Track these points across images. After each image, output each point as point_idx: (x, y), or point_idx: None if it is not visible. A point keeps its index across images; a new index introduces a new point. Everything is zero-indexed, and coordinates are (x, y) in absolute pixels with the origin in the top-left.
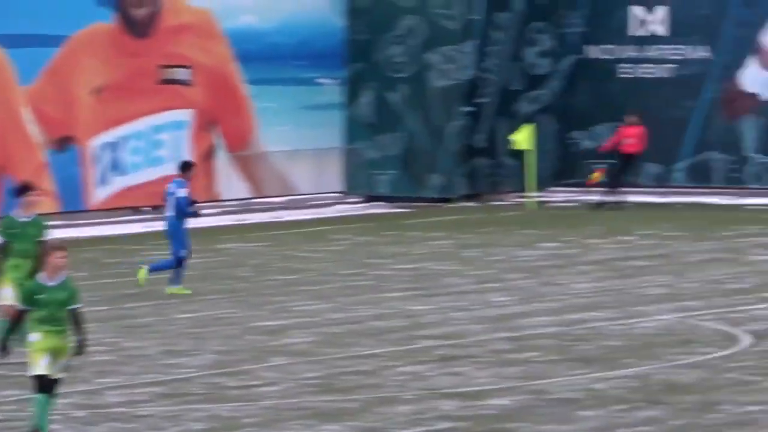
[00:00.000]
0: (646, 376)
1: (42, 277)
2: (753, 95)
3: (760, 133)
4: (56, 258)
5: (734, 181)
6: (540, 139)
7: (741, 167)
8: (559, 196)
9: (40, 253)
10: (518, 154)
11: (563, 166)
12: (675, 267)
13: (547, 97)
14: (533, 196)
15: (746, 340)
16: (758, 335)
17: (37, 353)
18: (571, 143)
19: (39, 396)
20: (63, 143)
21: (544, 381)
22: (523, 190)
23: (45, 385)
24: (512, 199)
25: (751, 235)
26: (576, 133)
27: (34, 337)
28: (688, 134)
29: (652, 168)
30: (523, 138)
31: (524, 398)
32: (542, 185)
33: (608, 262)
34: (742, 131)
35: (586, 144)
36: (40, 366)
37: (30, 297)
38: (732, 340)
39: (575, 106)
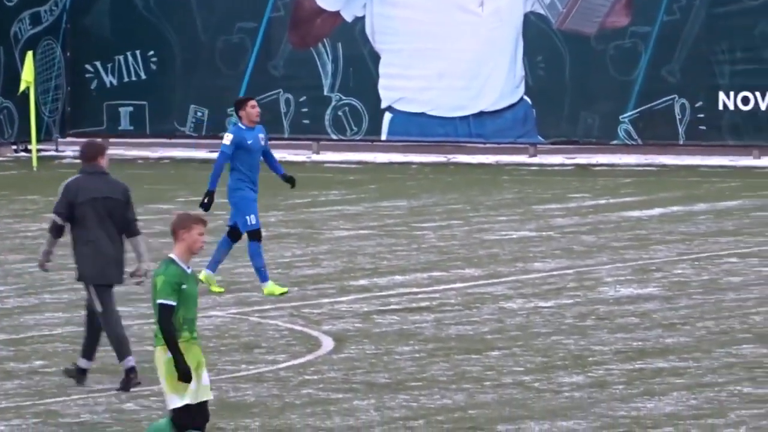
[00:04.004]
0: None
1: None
2: (332, 15)
3: (339, 66)
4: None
5: (309, 130)
6: (44, 72)
7: (318, 112)
8: (73, 149)
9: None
10: (18, 92)
11: (77, 110)
12: None
13: (53, 15)
14: (36, 149)
15: (326, 344)
16: (340, 337)
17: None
18: (87, 79)
19: None
20: None
21: (56, 400)
22: (25, 141)
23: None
24: (8, 154)
25: (329, 204)
26: (93, 65)
27: None
28: (245, 69)
29: (199, 113)
30: (24, 72)
31: (31, 423)
32: (49, 134)
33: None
34: (316, 63)
35: (108, 80)
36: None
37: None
38: (307, 344)
39: (90, 29)
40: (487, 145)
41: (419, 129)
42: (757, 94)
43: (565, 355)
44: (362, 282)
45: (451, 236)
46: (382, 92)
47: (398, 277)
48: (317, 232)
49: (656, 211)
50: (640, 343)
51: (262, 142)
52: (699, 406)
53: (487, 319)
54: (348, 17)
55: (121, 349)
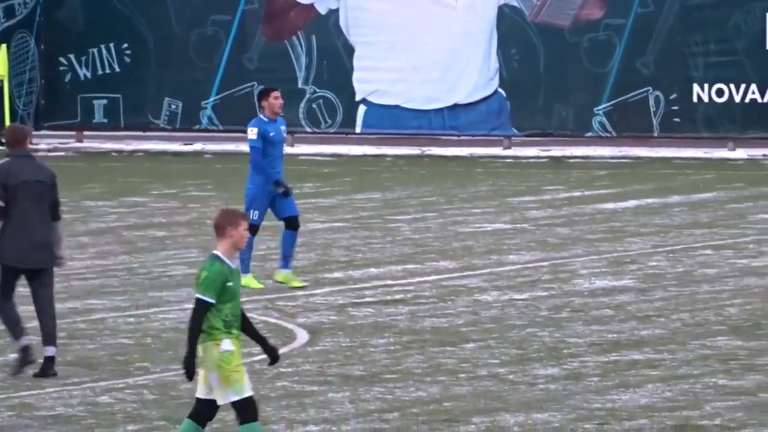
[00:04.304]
0: (167, 386)
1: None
2: (306, 8)
3: (313, 59)
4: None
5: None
6: (18, 65)
7: (292, 104)
8: (47, 142)
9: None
10: None
11: (51, 103)
12: (203, 239)
13: (27, 9)
14: None
15: (300, 337)
16: (314, 330)
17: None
18: (61, 72)
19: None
20: None
21: (31, 393)
22: None
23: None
24: None
25: (303, 196)
26: (67, 58)
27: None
28: (219, 62)
29: (173, 106)
30: None
31: (5, 416)
32: None
33: (114, 232)
34: (290, 56)
35: (82, 73)
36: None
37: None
38: (282, 336)
39: (65, 21)
40: (462, 138)
41: (393, 122)
42: (732, 86)
43: (540, 347)
44: (337, 275)
45: (425, 229)
46: (357, 85)
47: (373, 270)
48: None
49: (631, 203)
50: (615, 335)
51: (284, 134)
52: (674, 398)
53: (462, 311)
54: (322, 10)
55: (15, 329)
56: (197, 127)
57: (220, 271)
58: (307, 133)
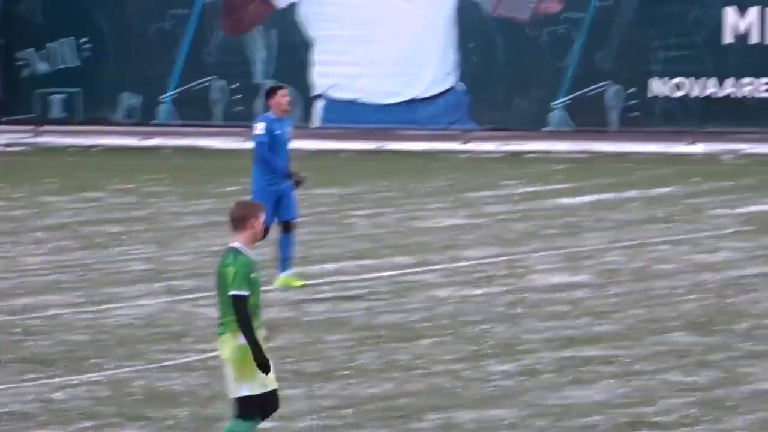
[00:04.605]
0: (122, 382)
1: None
2: (265, 2)
3: (272, 53)
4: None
5: (241, 117)
6: None
7: (251, 99)
8: (5, 137)
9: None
10: None
11: (8, 97)
12: (160, 234)
13: None
14: None
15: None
16: (270, 326)
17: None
18: (19, 66)
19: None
20: None
21: None
22: None
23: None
24: None
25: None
26: (25, 53)
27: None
28: (178, 56)
29: (132, 100)
30: None
31: None
32: None
33: (70, 227)
34: (249, 51)
35: (40, 67)
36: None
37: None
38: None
39: (23, 15)
40: (420, 132)
41: (352, 116)
42: (690, 80)
43: (495, 343)
44: (293, 270)
45: (382, 224)
46: (315, 79)
47: (329, 266)
48: None
49: (588, 198)
50: (570, 331)
51: (290, 135)
52: (629, 394)
53: (418, 307)
54: (281, 4)
55: None
56: (156, 121)
57: (245, 263)
58: None
